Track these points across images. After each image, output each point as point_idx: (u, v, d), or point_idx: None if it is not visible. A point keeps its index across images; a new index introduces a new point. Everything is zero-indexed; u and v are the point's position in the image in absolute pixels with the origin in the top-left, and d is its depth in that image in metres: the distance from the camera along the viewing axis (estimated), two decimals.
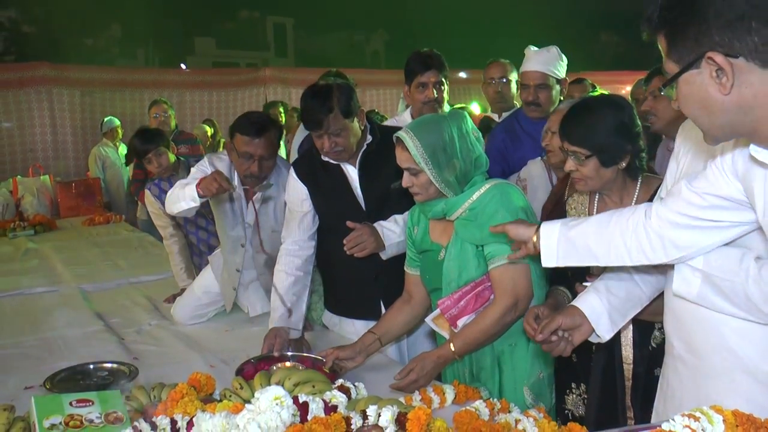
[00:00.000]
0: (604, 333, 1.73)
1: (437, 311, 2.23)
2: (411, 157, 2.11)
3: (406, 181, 2.17)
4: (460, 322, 2.18)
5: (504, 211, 2.10)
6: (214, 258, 3.16)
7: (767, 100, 1.12)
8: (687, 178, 1.46)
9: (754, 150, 1.22)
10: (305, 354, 2.48)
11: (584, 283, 2.00)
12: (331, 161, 2.64)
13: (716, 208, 1.40)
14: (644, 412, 1.94)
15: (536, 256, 2.09)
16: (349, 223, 2.52)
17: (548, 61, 3.16)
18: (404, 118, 3.33)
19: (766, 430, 1.28)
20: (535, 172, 2.98)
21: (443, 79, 3.18)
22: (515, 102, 3.92)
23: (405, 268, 2.45)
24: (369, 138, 2.65)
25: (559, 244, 1.67)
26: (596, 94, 3.28)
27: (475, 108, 5.02)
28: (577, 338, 1.75)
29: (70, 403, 1.72)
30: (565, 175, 2.66)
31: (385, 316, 2.46)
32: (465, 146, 2.14)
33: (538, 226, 1.73)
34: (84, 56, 17.35)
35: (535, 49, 3.26)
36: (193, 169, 2.93)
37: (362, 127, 2.61)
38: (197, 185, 2.64)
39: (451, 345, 2.16)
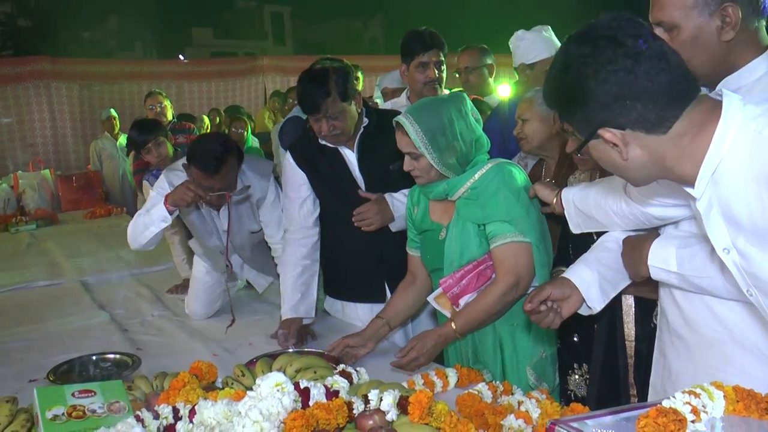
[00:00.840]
0: (594, 304, 1.72)
1: (439, 290, 2.24)
2: (411, 141, 2.11)
3: (407, 165, 2.17)
4: (462, 301, 2.18)
5: (506, 189, 2.11)
6: (194, 244, 3.11)
7: (660, 157, 1.23)
8: None
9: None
10: (308, 350, 2.44)
11: None
12: (329, 144, 2.63)
13: (679, 196, 1.45)
14: (647, 390, 1.94)
15: (542, 237, 2.17)
16: (361, 192, 2.58)
17: (551, 44, 3.13)
18: (400, 101, 3.31)
19: (766, 405, 1.28)
20: None
21: (443, 59, 3.16)
22: (490, 87, 3.82)
23: (407, 249, 2.45)
24: (365, 121, 2.64)
25: (576, 213, 1.84)
26: None
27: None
28: (566, 310, 1.72)
29: (73, 394, 1.72)
30: (539, 160, 2.66)
31: (391, 300, 2.47)
32: (465, 128, 2.13)
33: (559, 191, 1.90)
34: (82, 49, 17.25)
35: (525, 31, 3.21)
36: (151, 193, 2.88)
37: (359, 110, 2.60)
38: (165, 202, 2.62)
39: (453, 324, 2.16)
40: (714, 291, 1.45)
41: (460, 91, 3.52)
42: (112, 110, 7.80)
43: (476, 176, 2.15)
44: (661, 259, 1.52)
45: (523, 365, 2.23)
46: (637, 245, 1.61)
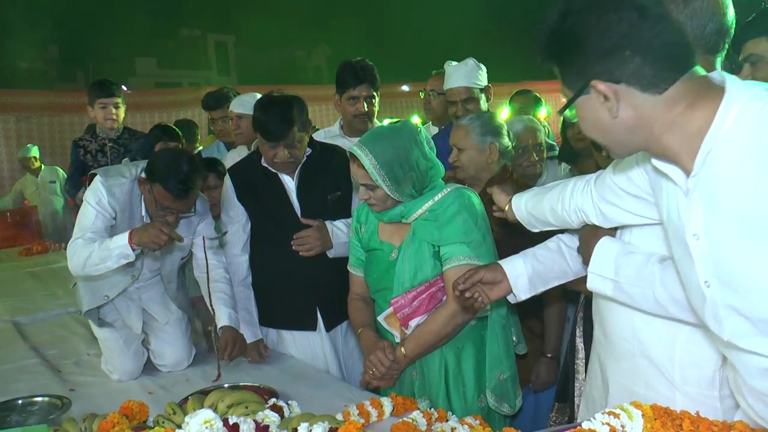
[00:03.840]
0: (520, 293, 1.79)
1: (390, 310, 2.23)
2: (367, 173, 2.11)
3: (363, 194, 2.18)
4: (413, 323, 2.19)
5: (466, 213, 2.14)
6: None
7: (649, 120, 1.19)
8: (613, 169, 1.54)
9: (656, 161, 1.27)
10: (243, 384, 2.36)
11: None
12: (271, 169, 2.65)
13: (631, 200, 1.49)
14: None
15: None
16: (302, 219, 2.61)
17: (469, 75, 3.20)
18: (334, 129, 3.34)
19: (681, 421, 1.33)
20: None
21: (375, 93, 3.17)
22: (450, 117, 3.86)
23: (349, 268, 2.45)
24: (308, 150, 2.68)
25: (529, 216, 1.85)
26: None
27: (416, 121, 5.06)
28: (494, 294, 1.80)
29: None
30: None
31: (357, 317, 2.42)
32: (421, 157, 2.15)
33: (512, 198, 1.93)
34: (19, 80, 16.86)
35: (455, 63, 3.29)
36: (88, 201, 2.47)
37: (308, 140, 2.66)
38: (130, 239, 2.31)
39: (402, 348, 2.18)
40: (642, 302, 1.47)
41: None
42: (33, 149, 7.55)
43: (435, 198, 2.18)
44: (601, 266, 1.55)
45: (470, 388, 2.23)
46: (590, 238, 1.62)
